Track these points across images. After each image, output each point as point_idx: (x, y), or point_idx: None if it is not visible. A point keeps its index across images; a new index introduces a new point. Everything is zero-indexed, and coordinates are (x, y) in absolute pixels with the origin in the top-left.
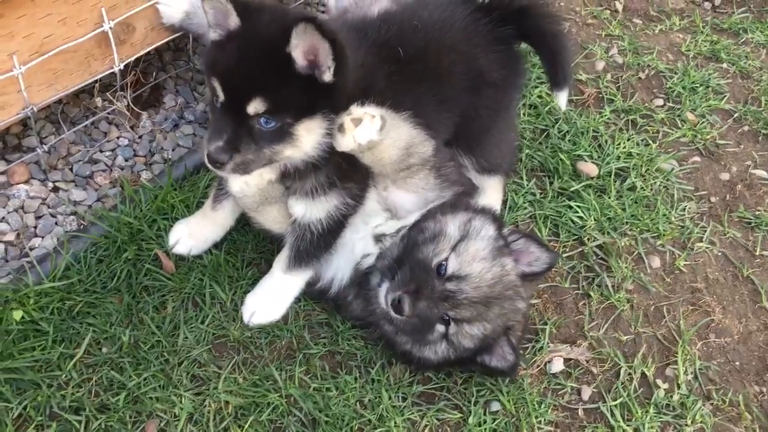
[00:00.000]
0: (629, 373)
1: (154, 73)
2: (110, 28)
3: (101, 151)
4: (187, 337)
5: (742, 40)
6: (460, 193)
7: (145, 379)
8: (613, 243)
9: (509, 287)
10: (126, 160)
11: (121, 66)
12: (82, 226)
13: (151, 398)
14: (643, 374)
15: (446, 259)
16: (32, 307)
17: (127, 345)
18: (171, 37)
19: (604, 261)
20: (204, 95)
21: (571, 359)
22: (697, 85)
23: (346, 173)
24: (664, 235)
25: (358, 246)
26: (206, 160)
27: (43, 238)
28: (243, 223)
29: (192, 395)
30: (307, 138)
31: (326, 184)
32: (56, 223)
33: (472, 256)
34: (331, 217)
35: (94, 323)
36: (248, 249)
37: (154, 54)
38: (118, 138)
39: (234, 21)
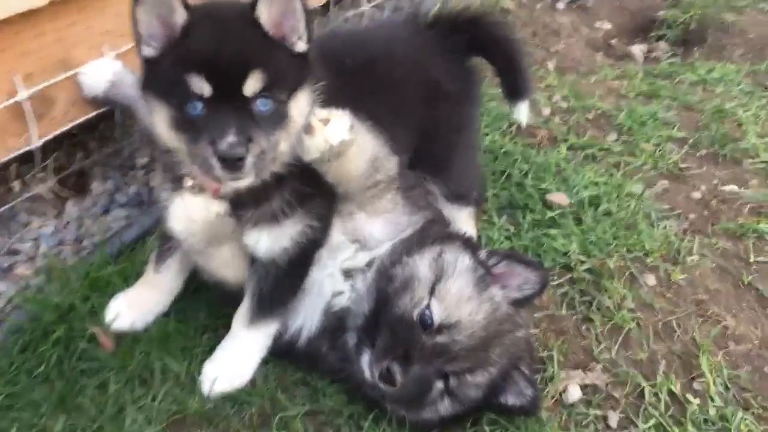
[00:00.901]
0: (655, 393)
1: (78, 157)
2: (26, 98)
3: (21, 242)
4: (135, 420)
5: (677, 80)
6: (427, 222)
7: None
8: (602, 264)
9: (505, 321)
10: (51, 249)
11: (40, 143)
12: (1, 321)
13: None
14: (670, 391)
15: (428, 307)
16: None
17: None
18: (95, 113)
19: (597, 283)
20: (135, 178)
21: (587, 385)
22: (646, 118)
23: (309, 192)
24: (653, 252)
25: (326, 285)
26: (218, 168)
27: None
28: (192, 287)
29: None
30: (298, 120)
31: (289, 205)
32: None
33: (455, 297)
34: (298, 245)
35: (19, 417)
36: (201, 316)
37: (78, 142)
38: (40, 227)
39: (180, 15)
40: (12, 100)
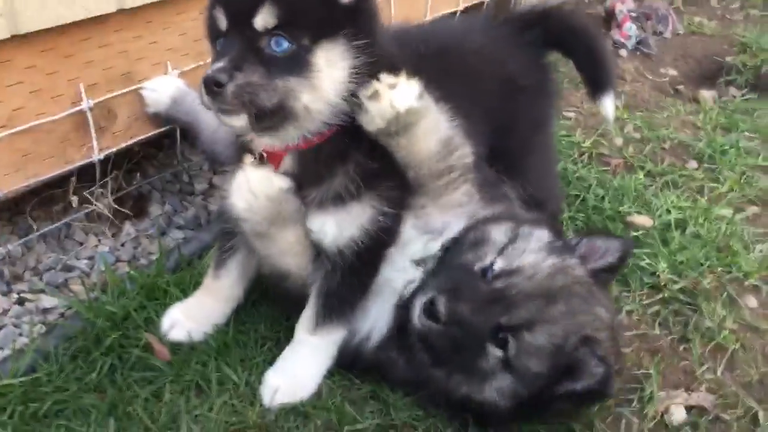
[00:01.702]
0: None
1: (137, 180)
2: (89, 108)
3: (77, 259)
4: (191, 430)
5: (755, 115)
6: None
7: None
8: (696, 284)
9: (577, 282)
10: (108, 267)
11: (101, 156)
12: (52, 328)
13: None
14: None
15: (492, 263)
16: None
17: None
18: (157, 132)
19: (692, 304)
20: (194, 203)
21: (692, 406)
22: (727, 147)
23: (376, 169)
24: (751, 273)
25: (398, 281)
26: (203, 91)
27: (2, 350)
28: (253, 298)
29: None
30: (329, 72)
31: (354, 183)
32: (20, 334)
33: (522, 251)
34: (367, 235)
35: (68, 425)
36: (262, 328)
37: (137, 167)
38: (96, 246)
39: None
40: (76, 109)
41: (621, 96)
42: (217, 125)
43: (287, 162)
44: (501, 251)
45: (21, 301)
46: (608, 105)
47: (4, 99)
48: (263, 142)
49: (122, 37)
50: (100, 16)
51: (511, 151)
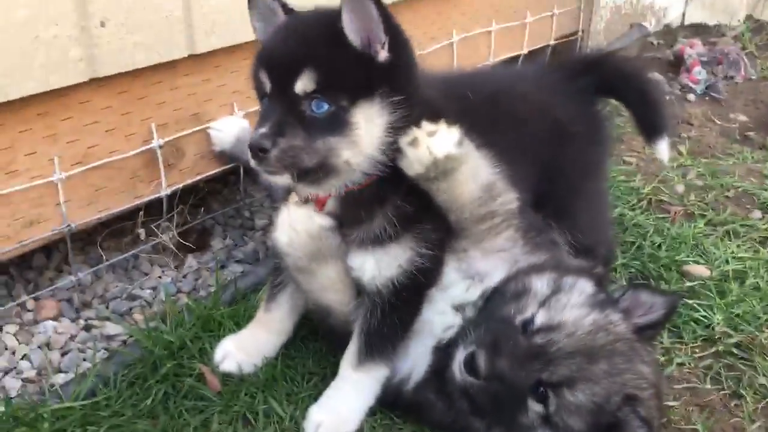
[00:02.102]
0: None
1: (201, 215)
2: (159, 146)
3: (141, 289)
4: None
5: None
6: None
7: None
8: (753, 339)
9: (619, 339)
10: (169, 297)
11: (169, 191)
12: (113, 354)
13: None
14: None
15: (533, 315)
16: (46, 430)
17: None
18: (221, 169)
19: (746, 360)
20: (254, 238)
21: None
22: None
23: (414, 212)
24: None
25: (436, 323)
26: (249, 155)
27: (67, 373)
28: (302, 335)
29: None
30: (367, 129)
31: (392, 225)
32: (84, 359)
33: (564, 304)
34: (406, 275)
35: None
36: (310, 363)
37: (201, 202)
38: (160, 277)
39: (281, 16)
40: (146, 147)
41: (685, 141)
42: None
43: (330, 204)
44: (542, 303)
45: (88, 328)
46: (663, 149)
47: (81, 137)
48: (308, 190)
49: (192, 81)
50: (172, 61)
51: (559, 197)
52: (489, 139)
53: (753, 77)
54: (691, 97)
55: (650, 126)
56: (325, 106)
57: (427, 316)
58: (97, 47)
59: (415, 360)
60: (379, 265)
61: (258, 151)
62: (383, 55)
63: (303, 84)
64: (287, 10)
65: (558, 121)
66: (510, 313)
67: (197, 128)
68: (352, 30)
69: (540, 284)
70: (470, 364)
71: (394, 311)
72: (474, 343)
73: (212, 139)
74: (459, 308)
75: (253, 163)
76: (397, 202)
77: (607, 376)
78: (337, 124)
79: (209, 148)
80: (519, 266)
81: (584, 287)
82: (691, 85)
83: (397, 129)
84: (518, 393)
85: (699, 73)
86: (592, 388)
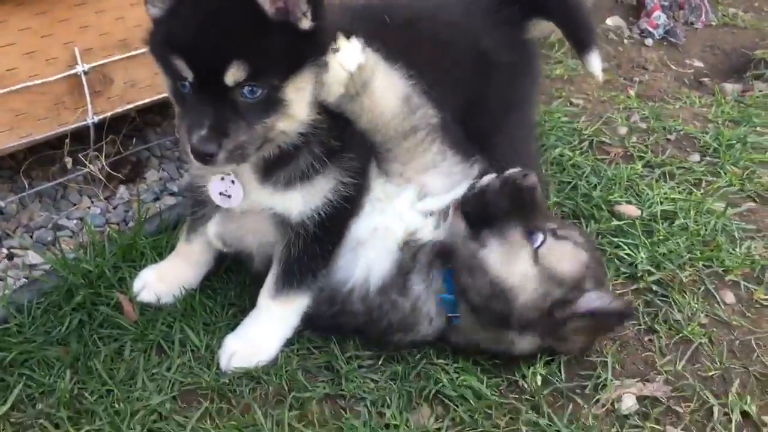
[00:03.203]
0: (725, 412)
1: (133, 145)
2: (84, 72)
3: (68, 219)
4: (146, 386)
5: None
6: None
7: None
8: (673, 277)
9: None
10: (96, 228)
11: (95, 119)
12: (30, 283)
13: None
14: (744, 413)
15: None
16: None
17: (68, 396)
18: (152, 99)
19: (665, 297)
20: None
21: (645, 396)
22: (734, 142)
23: (340, 146)
24: (733, 269)
25: (396, 226)
26: (192, 158)
27: None
28: (226, 266)
29: None
30: (299, 101)
31: (319, 160)
32: (5, 288)
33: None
34: (330, 205)
35: (30, 374)
36: (231, 294)
37: (138, 131)
38: (89, 208)
39: None
40: (70, 72)
41: (635, 85)
42: None
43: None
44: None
45: (10, 257)
46: (594, 62)
47: None
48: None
49: (119, 4)
50: None
51: (481, 128)
52: (406, 61)
53: (713, 23)
54: (649, 41)
55: (578, 41)
56: (258, 91)
57: (378, 223)
58: None
59: (370, 266)
60: (306, 199)
61: (204, 156)
62: (306, 23)
63: (233, 75)
64: None
65: (482, 50)
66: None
67: (126, 55)
68: (266, 1)
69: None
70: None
71: (316, 241)
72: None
73: None
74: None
75: (196, 165)
76: (322, 138)
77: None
78: (272, 103)
79: (141, 75)
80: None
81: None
82: (649, 29)
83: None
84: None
85: (658, 17)
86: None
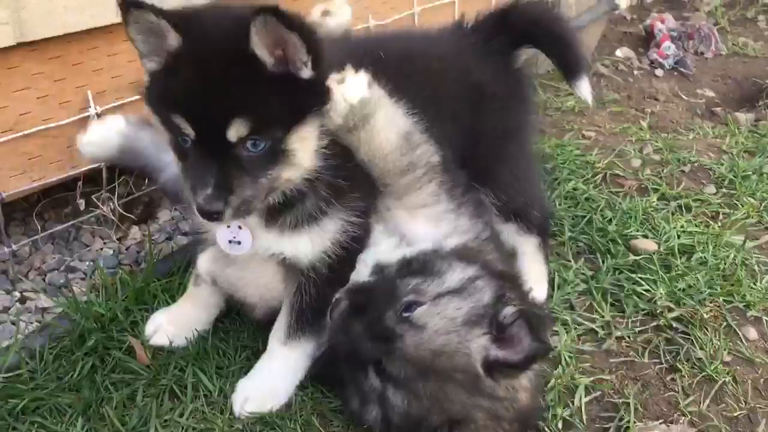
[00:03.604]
0: None
1: (146, 186)
2: (97, 114)
3: (80, 261)
4: None
5: None
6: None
7: None
8: (694, 314)
9: (461, 370)
10: (108, 270)
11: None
12: (42, 327)
13: None
14: None
15: (419, 305)
16: None
17: None
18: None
19: (686, 334)
20: None
21: None
22: (749, 173)
23: (345, 186)
24: (754, 304)
25: (363, 269)
26: (198, 217)
27: None
28: (236, 309)
29: None
30: (303, 150)
31: (326, 201)
32: (18, 332)
33: (442, 311)
34: (339, 245)
35: (42, 422)
36: (243, 336)
37: None
38: (101, 249)
39: (173, 39)
40: (83, 114)
41: (647, 116)
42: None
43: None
44: (436, 297)
45: (23, 300)
46: (584, 88)
47: (9, 104)
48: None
49: (131, 47)
50: (109, 25)
51: (480, 160)
52: (402, 95)
53: (723, 53)
54: (659, 72)
55: (568, 67)
56: (262, 144)
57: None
58: (25, 9)
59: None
60: (314, 241)
61: (212, 215)
62: (307, 73)
63: (236, 131)
64: (181, 29)
65: (476, 82)
66: (406, 286)
67: (137, 97)
68: (266, 53)
69: (452, 275)
70: (333, 304)
71: (328, 283)
72: (347, 291)
73: (84, 154)
74: (377, 269)
75: (201, 220)
76: (328, 179)
77: (430, 398)
78: (276, 154)
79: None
80: (453, 239)
81: (479, 298)
82: (659, 60)
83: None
84: (357, 356)
85: (668, 48)
86: (411, 400)
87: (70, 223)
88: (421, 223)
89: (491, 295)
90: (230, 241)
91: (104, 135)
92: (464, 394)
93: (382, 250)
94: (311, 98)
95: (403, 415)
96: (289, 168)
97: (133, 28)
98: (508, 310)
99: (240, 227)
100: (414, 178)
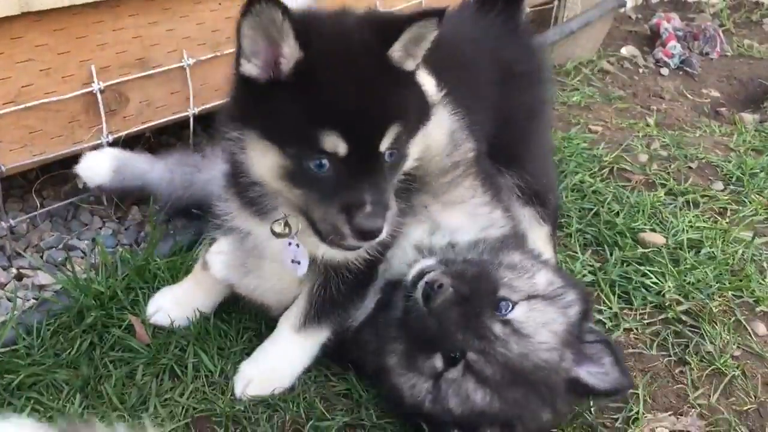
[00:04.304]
0: None
1: None
2: (100, 90)
3: (79, 239)
4: (158, 412)
5: None
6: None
7: None
8: (703, 307)
9: (545, 383)
10: (107, 248)
11: (110, 138)
12: (39, 303)
13: None
14: None
15: (515, 303)
16: None
17: (78, 419)
18: (169, 119)
19: (695, 327)
20: None
21: (678, 431)
22: (757, 171)
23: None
24: (764, 299)
25: (393, 262)
26: (350, 238)
27: None
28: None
29: None
30: (413, 153)
31: None
32: (14, 308)
33: (543, 322)
34: (382, 243)
35: (39, 398)
36: (245, 318)
37: (151, 151)
38: (100, 228)
39: (292, 47)
40: (86, 90)
41: (654, 113)
42: (170, 177)
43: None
44: (531, 297)
45: (20, 277)
46: None
47: (12, 75)
48: None
49: (137, 22)
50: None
51: (509, 141)
52: (446, 80)
53: (728, 54)
54: (665, 71)
55: None
56: (397, 154)
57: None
58: None
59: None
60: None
61: (374, 234)
62: (410, 64)
63: (388, 141)
64: (304, 41)
65: (505, 63)
66: (498, 280)
67: (143, 74)
68: (402, 54)
69: (543, 279)
70: (431, 285)
71: (353, 279)
72: (449, 276)
73: (82, 180)
74: (421, 249)
75: (353, 242)
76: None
77: (511, 403)
78: (399, 161)
79: (157, 95)
80: (488, 230)
81: (571, 315)
82: (665, 59)
83: None
84: (438, 343)
85: (674, 47)
86: (491, 402)
87: (69, 200)
88: (458, 215)
89: (578, 310)
90: (292, 261)
91: (97, 160)
92: (539, 405)
93: (418, 236)
94: (428, 104)
95: (473, 409)
96: (398, 174)
97: (249, 20)
98: (592, 329)
99: (297, 245)
100: (453, 177)
